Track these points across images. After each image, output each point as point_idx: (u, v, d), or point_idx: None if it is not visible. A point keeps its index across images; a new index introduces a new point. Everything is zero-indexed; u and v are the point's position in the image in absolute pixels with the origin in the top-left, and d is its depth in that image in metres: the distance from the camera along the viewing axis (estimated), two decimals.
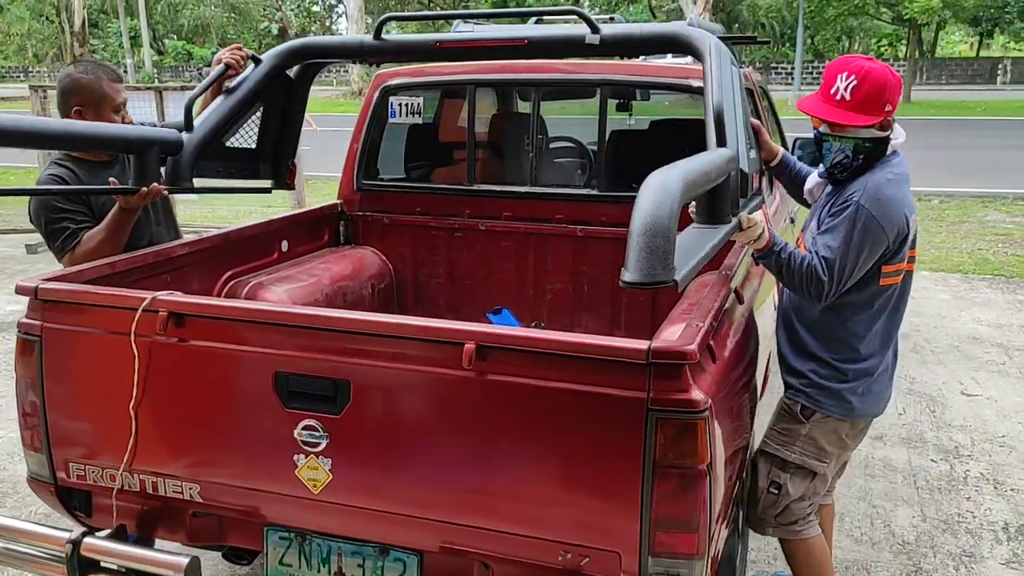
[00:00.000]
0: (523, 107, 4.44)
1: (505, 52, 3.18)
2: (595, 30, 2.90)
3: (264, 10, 53.82)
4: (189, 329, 2.24)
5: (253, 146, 3.27)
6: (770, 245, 2.50)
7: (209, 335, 2.23)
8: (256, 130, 3.25)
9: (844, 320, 2.61)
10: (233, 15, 51.65)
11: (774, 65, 38.27)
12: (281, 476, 2.21)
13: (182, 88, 8.50)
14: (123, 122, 2.94)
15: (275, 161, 3.38)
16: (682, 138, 3.79)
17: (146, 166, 2.75)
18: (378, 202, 3.92)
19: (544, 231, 3.69)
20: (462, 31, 3.32)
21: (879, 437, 4.49)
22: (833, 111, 2.49)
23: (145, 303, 2.24)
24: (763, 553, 3.48)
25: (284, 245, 3.52)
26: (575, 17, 3.09)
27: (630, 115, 5.05)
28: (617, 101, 4.71)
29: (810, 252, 2.52)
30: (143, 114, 8.86)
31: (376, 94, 3.86)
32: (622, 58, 3.46)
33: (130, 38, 41.21)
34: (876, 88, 2.44)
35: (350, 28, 24.88)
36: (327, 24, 57.23)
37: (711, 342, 2.05)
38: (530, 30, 3.20)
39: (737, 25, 38.91)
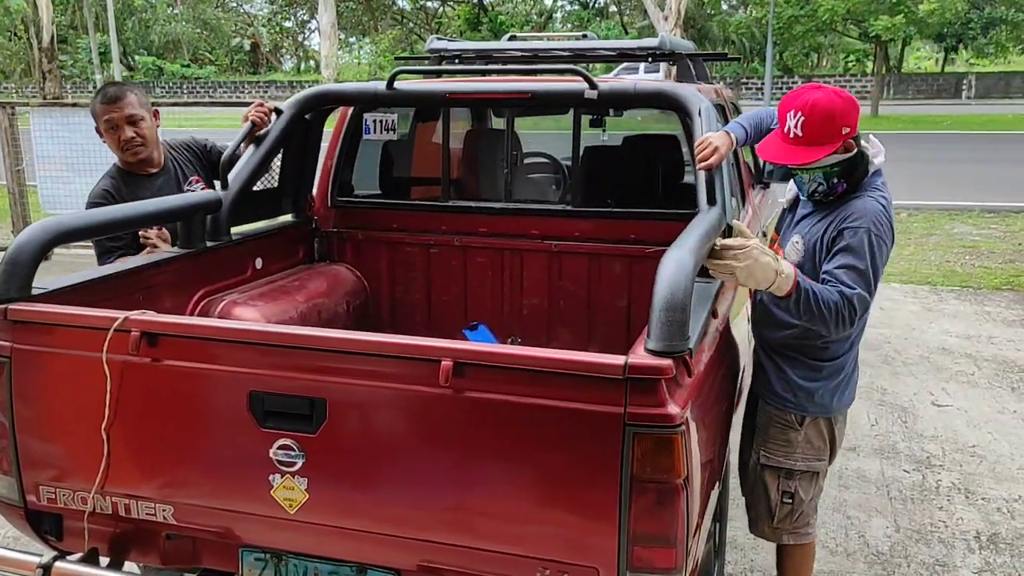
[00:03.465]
0: (497, 123, 4.48)
1: (510, 104, 3.39)
2: (593, 86, 3.12)
3: (236, 26, 53.70)
4: (162, 349, 2.22)
5: (275, 185, 3.63)
6: (796, 287, 2.41)
7: (182, 355, 2.21)
8: (277, 171, 3.60)
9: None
10: (204, 31, 51.43)
11: (744, 80, 38.72)
12: (256, 496, 2.18)
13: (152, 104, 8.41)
14: (120, 139, 3.17)
15: (295, 195, 3.73)
16: (654, 153, 3.83)
17: (192, 228, 3.09)
18: (353, 218, 3.91)
19: (519, 247, 3.70)
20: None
21: (852, 448, 4.53)
22: (791, 151, 2.54)
23: (117, 323, 2.21)
24: (739, 566, 3.50)
25: (258, 262, 3.50)
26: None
27: (603, 131, 5.09)
28: (590, 117, 4.76)
29: (830, 279, 2.50)
30: None
31: (350, 111, 3.86)
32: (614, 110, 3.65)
33: (100, 54, 40.83)
34: (824, 119, 2.46)
35: (323, 44, 24.85)
36: (299, 40, 57.19)
37: (686, 356, 2.06)
38: (533, 85, 3.42)
39: (707, 41, 39.39)
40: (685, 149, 3.67)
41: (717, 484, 2.55)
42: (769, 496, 2.85)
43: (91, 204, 3.18)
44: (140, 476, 2.31)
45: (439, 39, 4.15)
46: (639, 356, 1.93)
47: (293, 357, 2.12)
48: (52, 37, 29.49)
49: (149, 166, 3.30)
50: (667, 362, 1.90)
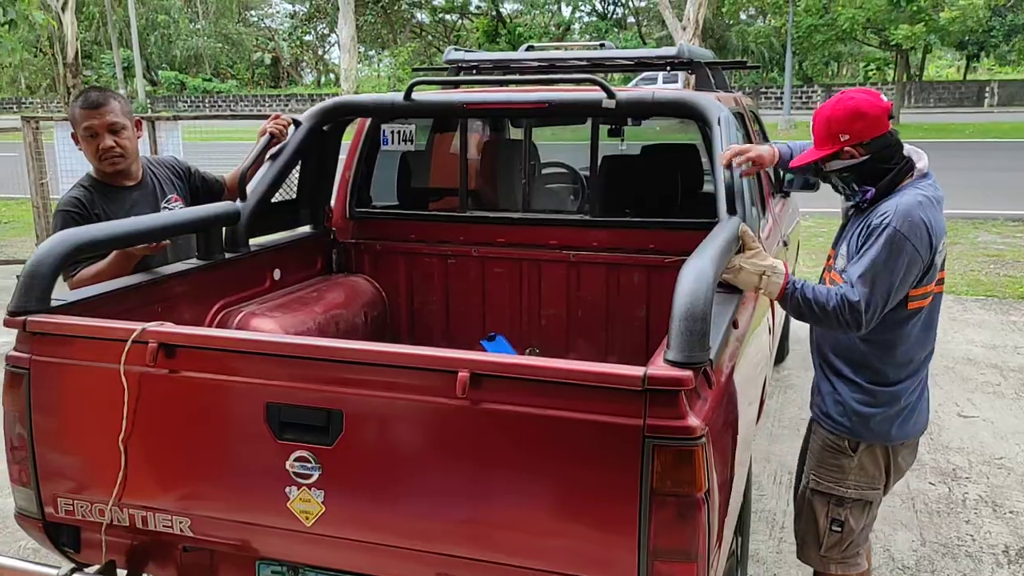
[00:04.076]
0: (515, 133, 4.46)
1: (527, 114, 3.49)
2: (611, 96, 3.10)
3: (257, 40, 54.20)
4: (179, 360, 2.22)
5: (294, 197, 3.62)
6: (785, 288, 2.48)
7: (199, 366, 2.21)
8: (295, 182, 3.59)
9: (872, 343, 2.58)
10: (226, 46, 51.95)
11: (763, 90, 38.59)
12: (273, 509, 2.17)
13: (175, 118, 8.50)
14: (98, 148, 3.03)
15: (313, 207, 3.75)
16: (673, 162, 3.80)
17: (211, 239, 3.09)
18: (371, 229, 3.91)
19: (537, 257, 3.68)
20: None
21: None
22: (802, 157, 2.65)
23: (135, 334, 2.21)
24: None
25: (276, 274, 3.50)
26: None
27: (622, 140, 5.07)
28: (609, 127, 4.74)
29: (845, 279, 2.50)
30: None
31: (368, 122, 3.86)
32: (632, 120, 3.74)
33: (123, 69, 41.35)
34: (822, 124, 2.55)
35: (343, 57, 25.04)
36: (319, 54, 57.63)
37: (707, 368, 2.03)
38: (550, 95, 3.41)
39: (726, 51, 39.29)
40: (705, 159, 3.64)
41: (740, 497, 2.52)
42: (817, 523, 2.74)
43: (61, 212, 3.03)
44: (157, 488, 2.30)
45: (456, 50, 4.15)
46: (658, 367, 1.90)
47: (309, 368, 2.11)
48: (77, 52, 29.88)
49: (126, 178, 3.15)
50: (687, 373, 1.87)
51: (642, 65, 4.15)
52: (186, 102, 44.97)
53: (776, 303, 2.66)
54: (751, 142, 4.10)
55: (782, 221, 4.47)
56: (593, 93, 3.22)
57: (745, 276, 2.49)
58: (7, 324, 2.35)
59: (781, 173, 4.95)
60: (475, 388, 1.97)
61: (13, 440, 2.40)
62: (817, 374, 2.78)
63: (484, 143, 4.41)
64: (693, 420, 1.89)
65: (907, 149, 2.60)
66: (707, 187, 3.80)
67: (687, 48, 3.86)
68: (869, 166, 2.55)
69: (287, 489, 2.15)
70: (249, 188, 3.30)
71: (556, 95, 3.35)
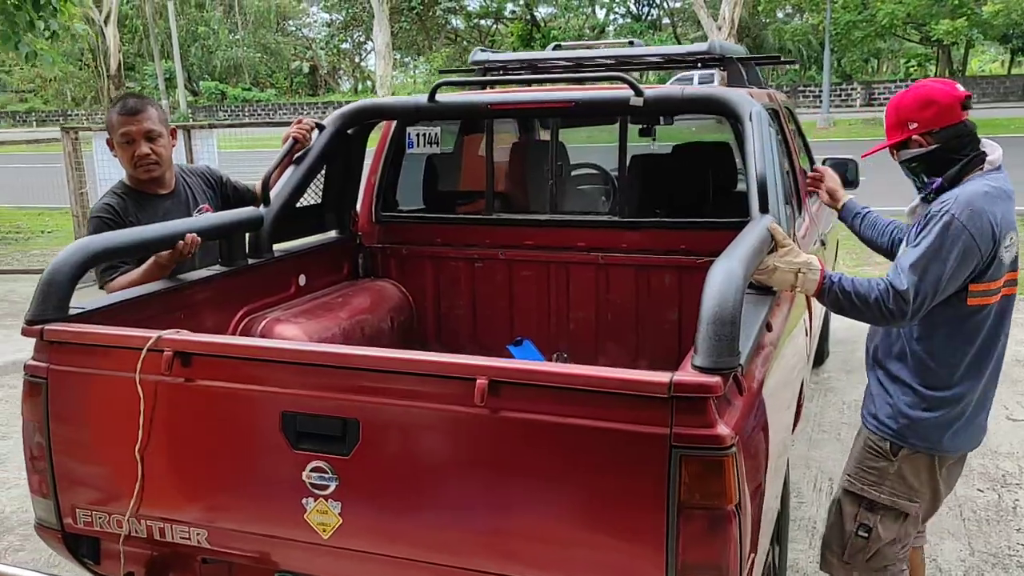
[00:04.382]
0: (545, 134, 4.38)
1: (552, 113, 3.43)
2: (639, 93, 3.01)
3: (295, 50, 54.75)
4: (196, 369, 2.17)
5: (319, 201, 3.58)
6: (823, 283, 2.38)
7: (215, 374, 2.16)
8: (321, 187, 3.55)
9: (928, 342, 2.45)
10: (265, 55, 52.55)
11: (801, 88, 38.05)
12: (290, 520, 2.12)
13: (210, 126, 8.57)
14: (135, 155, 3.03)
15: (339, 211, 3.70)
16: (705, 161, 3.70)
17: (233, 245, 3.06)
18: (397, 233, 3.86)
19: (566, 259, 3.61)
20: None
21: None
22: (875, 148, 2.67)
23: (150, 343, 2.17)
24: None
25: (302, 279, 3.46)
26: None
27: (653, 140, 4.97)
28: (640, 127, 4.65)
29: (893, 267, 2.40)
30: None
31: (394, 124, 3.81)
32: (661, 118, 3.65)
33: (165, 80, 42.03)
34: (892, 111, 2.52)
35: (378, 64, 25.19)
36: (356, 61, 58.08)
37: (737, 373, 1.94)
38: (576, 93, 3.34)
39: (763, 50, 38.81)
40: (738, 157, 3.53)
41: (775, 506, 2.41)
42: (844, 524, 2.62)
43: (94, 219, 3.05)
44: (174, 499, 2.26)
45: (483, 51, 4.09)
46: (685, 373, 1.82)
47: (324, 376, 2.05)
48: (119, 64, 30.57)
49: (160, 187, 3.17)
50: (715, 379, 1.78)
51: (672, 62, 4.05)
52: (226, 111, 45.55)
53: (815, 300, 2.55)
54: (786, 140, 3.99)
55: (820, 220, 4.33)
56: (621, 91, 3.13)
57: (780, 276, 2.39)
58: (25, 333, 2.33)
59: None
60: (494, 396, 1.90)
61: (32, 450, 2.38)
62: (868, 376, 2.66)
63: (512, 145, 4.33)
64: (722, 428, 1.80)
65: (983, 142, 2.48)
66: (740, 186, 3.68)
67: (718, 44, 3.76)
68: (939, 156, 2.45)
69: (304, 500, 2.09)
70: (273, 193, 3.27)
71: (582, 94, 3.28)
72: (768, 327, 2.42)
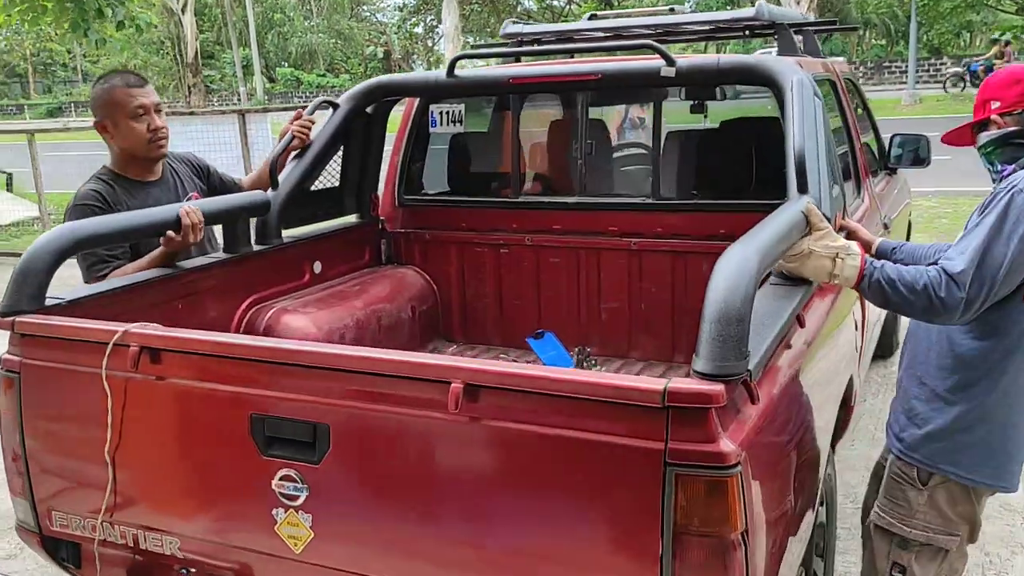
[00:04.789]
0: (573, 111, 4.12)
1: (577, 87, 3.22)
2: (670, 63, 2.78)
3: (369, 35, 55.17)
4: (165, 366, 2.01)
5: (336, 184, 3.41)
6: (864, 271, 2.06)
7: (183, 372, 2.00)
8: (338, 169, 3.39)
9: (976, 350, 2.11)
10: (339, 41, 53.06)
11: (887, 64, 36.51)
12: (261, 532, 1.95)
13: (264, 110, 8.54)
14: (149, 128, 2.81)
15: (359, 194, 3.53)
16: (748, 137, 3.39)
17: (237, 231, 2.89)
18: (421, 218, 3.66)
19: (596, 245, 3.36)
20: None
21: None
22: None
23: (115, 337, 2.02)
24: None
25: (317, 266, 3.29)
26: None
27: (705, 116, 4.66)
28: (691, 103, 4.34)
29: (947, 252, 2.08)
30: (225, 136, 9.01)
31: (416, 103, 3.61)
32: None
33: (243, 67, 42.78)
34: (980, 90, 2.26)
35: (447, 47, 25.05)
36: (429, 45, 58.22)
37: (748, 380, 1.67)
38: (603, 65, 3.09)
39: (846, 23, 37.29)
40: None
41: (811, 523, 2.14)
42: (876, 564, 2.32)
43: (79, 207, 2.77)
44: (146, 505, 2.12)
45: (515, 23, 3.84)
46: (683, 380, 1.57)
47: (293, 376, 1.87)
48: (196, 53, 31.05)
49: (149, 173, 2.92)
50: (717, 387, 1.53)
51: (719, 30, 3.74)
52: (301, 97, 46.14)
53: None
54: (844, 113, 3.65)
55: (884, 202, 3.98)
56: (651, 62, 2.87)
57: (815, 262, 2.09)
58: None
59: (886, 146, 4.45)
60: (471, 401, 1.69)
61: (9, 448, 2.26)
62: (898, 388, 2.34)
63: (550, 123, 4.08)
64: (726, 444, 1.55)
65: None
66: None
67: (766, 8, 3.43)
68: (1016, 140, 2.12)
69: (274, 511, 1.92)
70: (281, 177, 3.10)
71: (609, 65, 3.02)
72: (799, 322, 2.14)
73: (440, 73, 3.15)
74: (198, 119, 9.35)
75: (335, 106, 3.26)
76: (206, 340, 1.98)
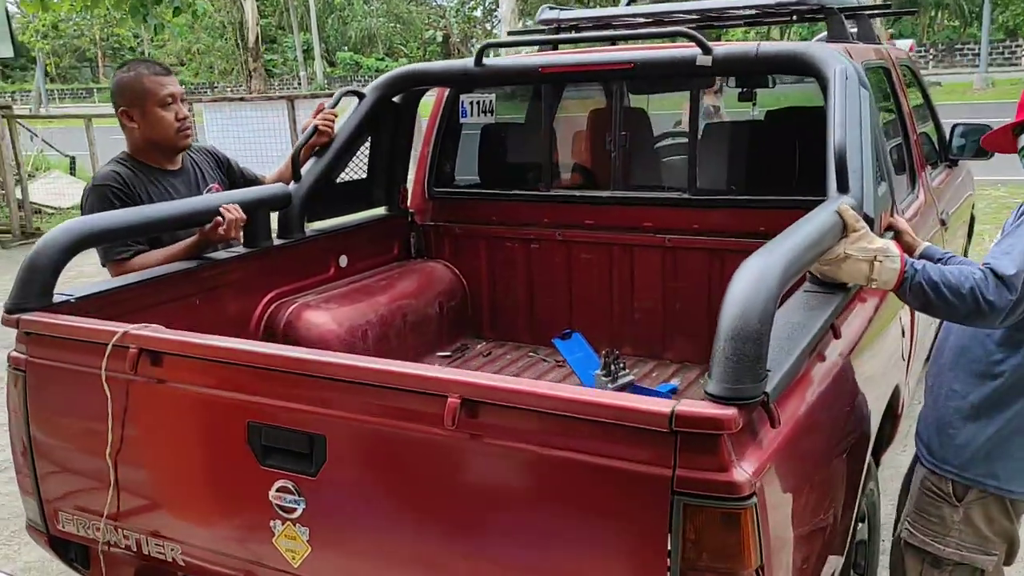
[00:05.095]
0: (632, 100, 3.96)
1: (610, 76, 3.10)
2: (707, 51, 2.65)
3: (428, 19, 55.19)
4: (165, 369, 1.95)
5: (364, 176, 3.32)
6: (904, 273, 1.91)
7: (183, 376, 1.94)
8: (365, 161, 3.29)
9: (1005, 353, 1.98)
10: (398, 25, 53.19)
11: (959, 46, 35.22)
12: (259, 544, 1.89)
13: (312, 96, 8.53)
14: (178, 117, 2.77)
15: (388, 186, 3.43)
16: (791, 130, 3.21)
17: (257, 224, 2.79)
18: (451, 211, 3.56)
19: (629, 241, 3.21)
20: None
21: None
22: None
23: (115, 338, 1.96)
24: None
25: (342, 260, 3.22)
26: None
27: (753, 106, 4.46)
28: (739, 91, 4.15)
29: (992, 252, 1.94)
30: (275, 122, 9.03)
31: (446, 93, 3.50)
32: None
33: (303, 52, 43.19)
34: None
35: (504, 31, 24.88)
36: (488, 28, 58.04)
37: (768, 402, 1.53)
38: (637, 53, 2.96)
39: (916, 6, 36.11)
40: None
41: (844, 545, 2.00)
42: None
43: (98, 188, 2.69)
44: (148, 509, 2.07)
45: (551, 8, 3.70)
46: (693, 403, 1.44)
47: (290, 384, 1.79)
48: (257, 37, 31.40)
49: (170, 161, 2.85)
50: (730, 412, 1.40)
51: (765, 14, 3.54)
52: (360, 81, 46.41)
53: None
54: (899, 102, 3.43)
55: (942, 196, 3.75)
56: (688, 50, 2.73)
57: (851, 266, 1.94)
58: (3, 322, 2.17)
59: (947, 136, 4.20)
60: (470, 417, 1.58)
61: (17, 446, 2.23)
62: (927, 396, 2.18)
63: (589, 113, 3.93)
64: (739, 473, 1.42)
65: None
66: None
67: None
68: None
69: (272, 523, 1.85)
70: (304, 169, 3.02)
71: (643, 54, 2.87)
72: (835, 332, 1.99)
73: (468, 62, 3.04)
74: (248, 105, 9.38)
75: (361, 96, 3.17)
76: (204, 344, 1.90)
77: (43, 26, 35.55)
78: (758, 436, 1.51)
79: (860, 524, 2.29)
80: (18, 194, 10.09)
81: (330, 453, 1.75)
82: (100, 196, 2.67)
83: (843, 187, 2.20)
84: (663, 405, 1.43)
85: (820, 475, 1.80)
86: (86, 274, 2.99)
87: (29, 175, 11.41)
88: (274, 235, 2.94)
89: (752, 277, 1.53)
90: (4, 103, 11.35)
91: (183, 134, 2.81)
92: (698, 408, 1.42)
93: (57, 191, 11.66)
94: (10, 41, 13.39)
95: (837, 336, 1.99)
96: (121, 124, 2.80)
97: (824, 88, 2.45)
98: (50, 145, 13.42)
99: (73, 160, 13.55)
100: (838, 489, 1.93)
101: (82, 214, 2.69)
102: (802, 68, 2.58)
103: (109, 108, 3.03)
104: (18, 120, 10.87)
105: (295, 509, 1.81)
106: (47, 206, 11.18)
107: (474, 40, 60.19)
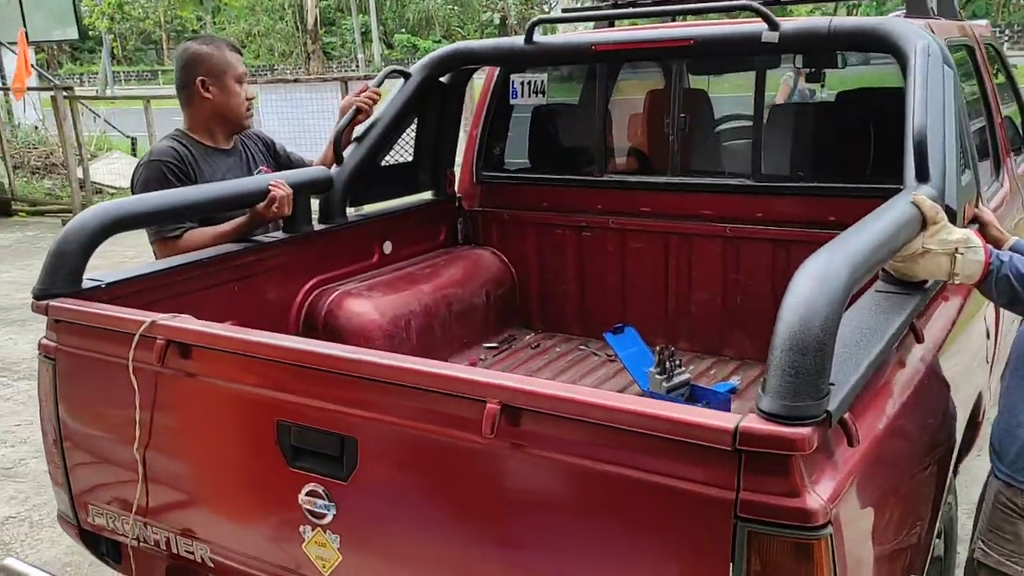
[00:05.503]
0: (691, 81, 3.76)
1: (668, 54, 2.96)
2: (773, 27, 2.50)
3: (485, 1, 54.96)
4: (194, 361, 1.85)
5: (410, 159, 3.22)
6: (989, 265, 1.76)
7: (211, 370, 1.84)
8: (412, 144, 3.19)
9: None
10: (456, 7, 53.06)
11: None
12: (289, 549, 1.78)
13: (365, 77, 8.44)
14: (247, 96, 2.78)
15: (434, 170, 3.30)
16: (866, 112, 2.99)
17: (297, 210, 2.68)
18: (500, 196, 3.42)
19: (687, 230, 3.03)
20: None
21: None
22: None
23: (142, 328, 1.87)
24: None
25: (387, 247, 3.10)
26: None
27: (821, 85, 4.22)
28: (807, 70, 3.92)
29: None
30: (330, 104, 8.97)
31: (496, 73, 3.35)
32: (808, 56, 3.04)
33: (362, 34, 43.31)
34: None
35: (557, 12, 24.60)
36: (546, 10, 57.57)
37: (846, 415, 1.37)
38: (697, 30, 2.79)
39: None
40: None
41: (920, 563, 1.82)
42: None
43: (155, 163, 2.65)
44: (175, 506, 1.98)
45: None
46: (758, 419, 1.28)
47: (320, 383, 1.67)
48: (316, 19, 31.55)
49: (226, 141, 2.81)
50: (803, 431, 1.24)
51: None
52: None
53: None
54: (983, 84, 3.19)
55: None
56: (753, 25, 2.54)
57: (930, 261, 1.79)
58: (33, 308, 2.10)
59: None
60: (510, 424, 1.45)
61: (48, 435, 2.17)
62: (1001, 401, 1.99)
63: (647, 94, 3.74)
64: (813, 499, 1.26)
65: None
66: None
67: None
68: None
69: (301, 528, 1.74)
70: (347, 152, 2.90)
71: (704, 30, 2.69)
72: (916, 336, 1.80)
73: (518, 40, 2.89)
74: (303, 87, 9.34)
75: (406, 76, 3.04)
76: (233, 337, 1.80)
77: (109, 8, 36.22)
78: (834, 456, 1.34)
79: (936, 540, 2.11)
80: (80, 174, 10.24)
81: (362, 457, 1.63)
82: (155, 172, 2.64)
83: (922, 175, 2.01)
84: (726, 420, 1.28)
85: (901, 494, 1.63)
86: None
87: (92, 155, 11.59)
88: (314, 220, 2.83)
89: (814, 278, 1.36)
90: (66, 84, 11.51)
91: (249, 113, 2.82)
92: (767, 425, 1.26)
93: (118, 171, 11.80)
94: (75, 24, 13.61)
95: (919, 340, 1.81)
96: (189, 96, 2.74)
97: (904, 67, 2.25)
98: (112, 126, 13.62)
99: (134, 141, 13.72)
100: (920, 507, 1.75)
101: (133, 188, 2.69)
102: (880, 44, 2.37)
103: (171, 90, 2.99)
104: (80, 101, 11.03)
105: (325, 515, 1.70)
106: (109, 186, 11.33)
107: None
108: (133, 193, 2.65)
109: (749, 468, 1.27)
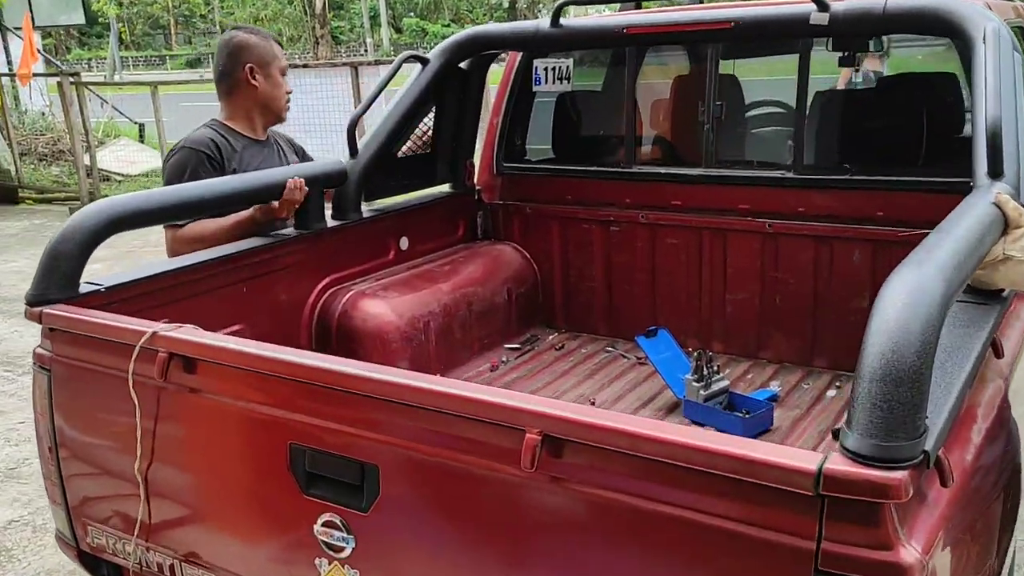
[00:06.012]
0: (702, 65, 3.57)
1: (705, 37, 2.78)
2: (823, 7, 2.36)
3: None
4: (199, 376, 1.70)
5: (428, 150, 3.06)
6: None
7: (217, 386, 1.68)
8: (429, 134, 3.04)
9: None
10: None
11: None
12: None
13: (376, 63, 8.27)
14: (287, 88, 2.78)
15: (453, 161, 3.16)
16: (917, 100, 2.80)
17: (309, 205, 2.57)
18: (522, 188, 3.25)
19: (723, 225, 2.86)
20: None
21: None
22: None
23: (143, 339, 1.71)
24: None
25: (403, 242, 2.94)
26: None
27: (856, 70, 4.02)
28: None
29: None
30: (339, 90, 8.80)
31: (518, 58, 3.17)
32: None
33: (370, 18, 43.00)
34: None
35: None
36: None
37: (941, 453, 1.20)
38: (737, 11, 2.62)
39: None
40: (966, 92, 2.61)
41: None
42: None
43: (193, 152, 2.59)
44: (179, 531, 1.83)
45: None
46: (844, 461, 1.11)
47: (337, 403, 1.51)
48: (324, 3, 31.31)
49: (262, 132, 2.77)
50: (899, 476, 1.07)
51: None
52: (426, 48, 46.13)
53: None
54: None
55: None
56: (799, 6, 2.36)
57: (1012, 269, 1.64)
58: (27, 315, 1.95)
59: None
60: (552, 456, 1.29)
61: (44, 450, 2.02)
62: None
63: (674, 79, 3.55)
64: (908, 552, 1.09)
65: None
66: (968, 130, 2.76)
67: None
68: None
69: (316, 561, 1.59)
70: (362, 142, 2.74)
71: (746, 11, 2.51)
72: (996, 351, 1.63)
73: (544, 22, 2.72)
74: (312, 72, 9.16)
75: (424, 62, 2.87)
76: (241, 351, 1.64)
77: None
78: (927, 499, 1.18)
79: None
80: (87, 161, 10.09)
81: (384, 486, 1.48)
82: (192, 161, 2.58)
83: (996, 171, 1.83)
84: (807, 460, 1.11)
85: (984, 526, 1.46)
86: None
87: (99, 142, 11.44)
88: (328, 216, 2.67)
89: (906, 297, 1.18)
90: (72, 70, 11.35)
91: (287, 106, 2.81)
92: (855, 468, 1.09)
93: (126, 158, 11.67)
94: (82, 9, 13.46)
95: (999, 355, 1.63)
96: (235, 82, 2.69)
97: (970, 51, 2.06)
98: (119, 112, 13.47)
99: (142, 127, 13.57)
100: (998, 536, 1.59)
101: (164, 175, 2.62)
102: (942, 26, 2.19)
103: (178, 75, 2.92)
104: (87, 87, 10.87)
105: (343, 548, 1.54)
106: (116, 173, 11.19)
107: (541, 6, 59.39)
108: (164, 178, 2.61)
109: (832, 515, 1.11)
